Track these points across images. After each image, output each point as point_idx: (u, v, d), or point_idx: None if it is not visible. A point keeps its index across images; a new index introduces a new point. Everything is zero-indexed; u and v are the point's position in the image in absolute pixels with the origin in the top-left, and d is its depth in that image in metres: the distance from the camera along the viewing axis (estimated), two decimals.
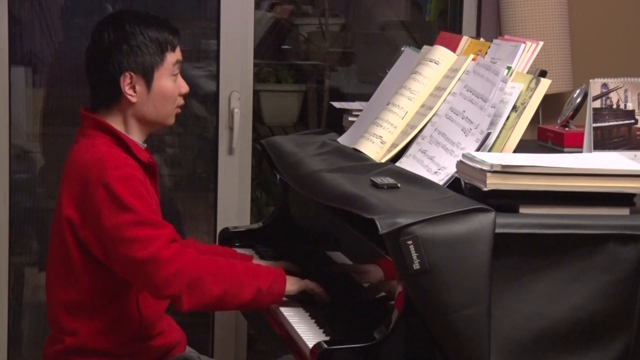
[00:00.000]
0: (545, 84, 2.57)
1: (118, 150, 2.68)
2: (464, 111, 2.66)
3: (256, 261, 2.97)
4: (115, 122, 2.73)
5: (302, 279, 2.69)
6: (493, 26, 3.99)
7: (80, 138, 2.75)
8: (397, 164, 2.72)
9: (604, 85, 2.81)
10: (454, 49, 2.91)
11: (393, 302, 2.33)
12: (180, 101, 2.78)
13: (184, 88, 2.78)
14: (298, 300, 2.66)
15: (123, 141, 2.70)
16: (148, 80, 2.71)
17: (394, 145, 2.80)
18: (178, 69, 2.76)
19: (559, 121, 3.14)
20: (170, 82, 2.74)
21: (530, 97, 2.56)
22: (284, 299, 2.66)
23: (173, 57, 2.74)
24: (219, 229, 3.61)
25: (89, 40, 2.76)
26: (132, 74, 2.69)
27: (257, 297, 2.60)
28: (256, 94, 4.16)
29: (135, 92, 2.70)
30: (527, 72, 2.67)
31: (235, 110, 3.80)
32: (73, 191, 2.65)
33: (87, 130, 2.74)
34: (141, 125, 2.75)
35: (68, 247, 2.66)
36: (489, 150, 2.55)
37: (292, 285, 2.66)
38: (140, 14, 2.77)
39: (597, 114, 2.80)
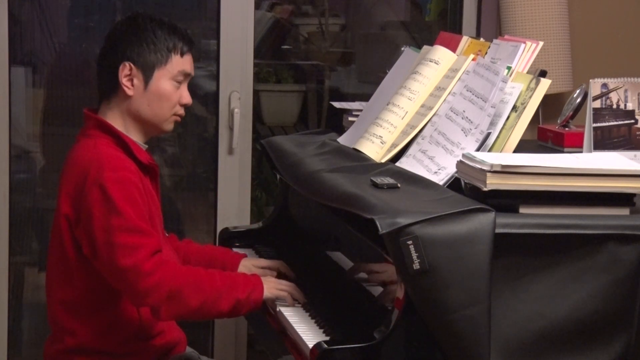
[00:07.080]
0: (545, 84, 2.57)
1: (118, 152, 2.69)
2: (464, 111, 2.65)
3: (253, 260, 2.98)
4: (115, 120, 2.74)
5: (283, 284, 2.72)
6: (493, 26, 3.98)
7: (82, 138, 2.76)
8: (397, 164, 2.72)
9: (604, 85, 2.81)
10: (454, 49, 2.91)
11: (393, 302, 2.33)
12: (180, 110, 2.78)
13: (185, 99, 2.78)
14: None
15: (124, 142, 2.70)
16: (147, 76, 2.72)
17: (394, 145, 2.80)
18: (183, 78, 2.76)
19: (559, 121, 3.14)
20: (169, 86, 2.74)
21: (530, 97, 2.56)
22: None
23: (179, 62, 2.74)
24: (219, 229, 3.62)
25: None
26: (132, 65, 2.70)
27: (236, 307, 2.63)
28: (256, 94, 4.16)
29: (132, 85, 2.71)
30: (527, 72, 2.67)
31: (235, 110, 3.80)
32: (71, 189, 2.66)
33: (89, 130, 2.75)
34: (138, 125, 2.76)
35: (65, 246, 2.67)
36: (489, 150, 2.55)
37: (269, 291, 2.67)
38: (159, 17, 2.79)
39: (597, 114, 2.80)
